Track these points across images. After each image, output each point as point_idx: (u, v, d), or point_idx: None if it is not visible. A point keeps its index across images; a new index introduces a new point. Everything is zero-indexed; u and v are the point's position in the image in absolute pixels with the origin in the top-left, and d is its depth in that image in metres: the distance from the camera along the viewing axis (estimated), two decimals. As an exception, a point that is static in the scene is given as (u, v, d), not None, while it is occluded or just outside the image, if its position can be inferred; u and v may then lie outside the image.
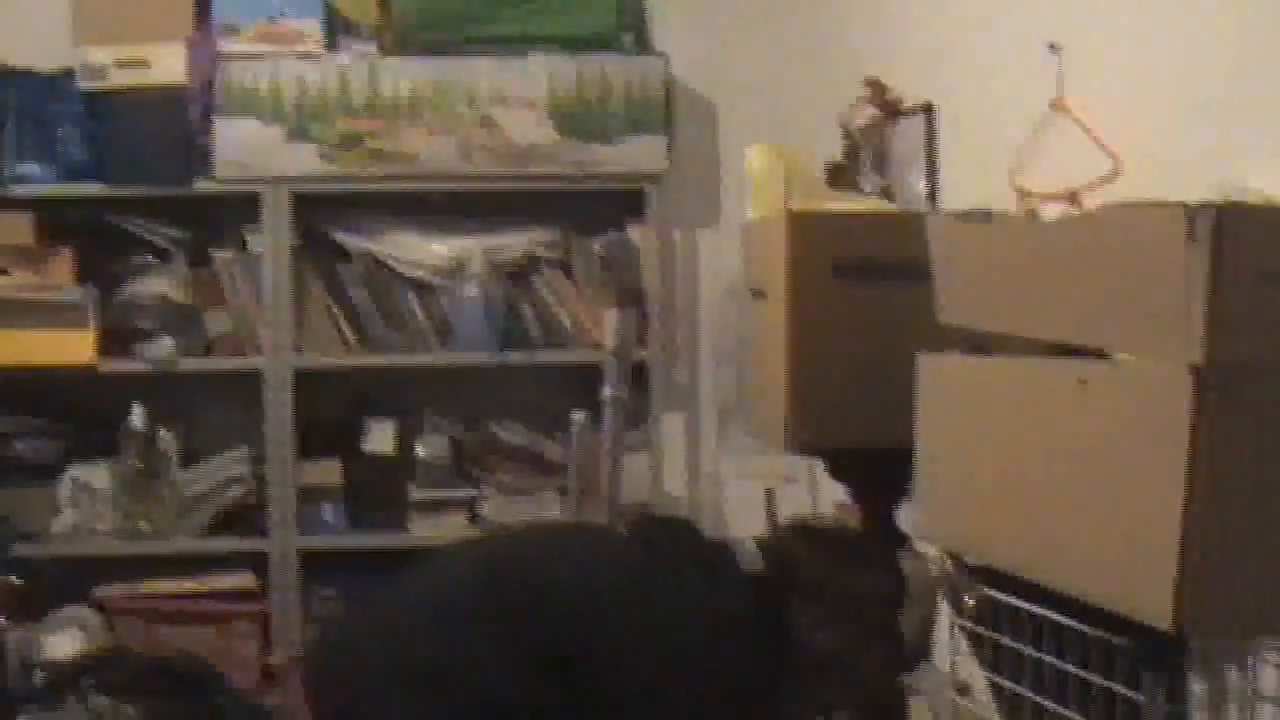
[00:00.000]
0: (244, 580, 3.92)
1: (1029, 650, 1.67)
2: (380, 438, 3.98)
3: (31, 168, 3.82)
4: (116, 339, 3.86)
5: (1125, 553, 1.45)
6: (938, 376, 1.84)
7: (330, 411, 3.99)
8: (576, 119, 3.93)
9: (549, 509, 3.94)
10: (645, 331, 3.88)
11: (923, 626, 2.23)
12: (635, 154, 3.95)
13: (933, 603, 2.18)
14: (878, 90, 2.92)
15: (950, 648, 1.90)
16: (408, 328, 3.99)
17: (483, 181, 3.92)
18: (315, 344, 3.93)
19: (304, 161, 3.87)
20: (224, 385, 3.95)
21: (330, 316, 3.95)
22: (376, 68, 3.89)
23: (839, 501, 2.56)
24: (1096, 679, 1.57)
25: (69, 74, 3.78)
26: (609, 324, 3.34)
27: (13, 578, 3.67)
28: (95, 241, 3.91)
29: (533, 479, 4.02)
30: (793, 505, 3.14)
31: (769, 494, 3.10)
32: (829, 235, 2.34)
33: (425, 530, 3.91)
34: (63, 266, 3.83)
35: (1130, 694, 1.53)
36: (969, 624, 1.81)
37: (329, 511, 3.93)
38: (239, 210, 3.88)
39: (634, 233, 4.01)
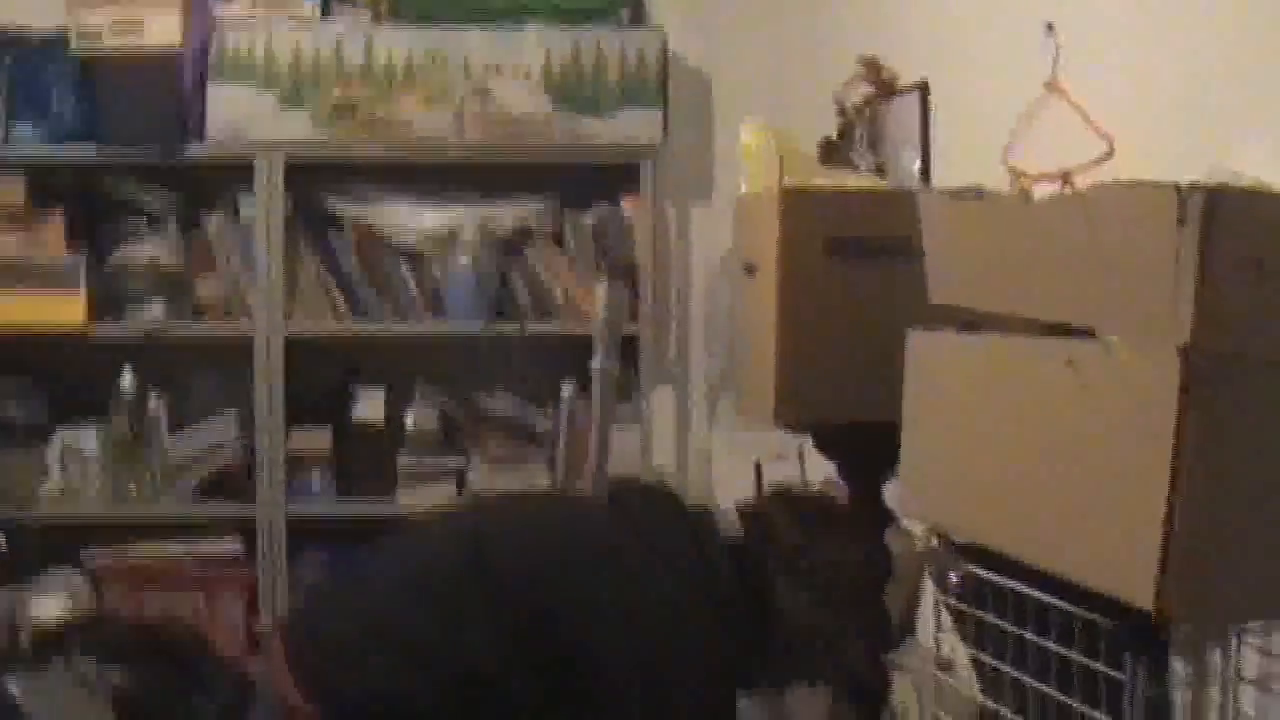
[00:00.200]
0: (231, 546, 3.93)
1: (1012, 628, 1.68)
2: (369, 406, 3.98)
3: (24, 130, 3.81)
4: (107, 303, 3.85)
5: (1109, 533, 1.45)
6: (927, 353, 1.84)
7: (320, 379, 3.99)
8: (571, 91, 3.92)
9: (537, 480, 3.94)
10: (636, 305, 3.88)
11: (908, 603, 2.24)
12: (630, 127, 3.94)
13: (918, 579, 2.19)
14: (873, 68, 2.92)
15: (934, 624, 1.90)
16: (399, 297, 3.98)
17: (476, 152, 3.92)
18: (306, 312, 3.93)
19: (297, 128, 3.86)
20: (214, 351, 3.94)
21: (321, 284, 3.95)
22: (371, 36, 3.88)
23: (828, 478, 2.56)
24: (1079, 658, 1.57)
25: (62, 36, 3.74)
26: (599, 296, 3.34)
27: (0, 540, 3.67)
28: (87, 205, 3.91)
29: (521, 450, 4.02)
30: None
31: (757, 469, 3.10)
32: (822, 212, 2.34)
33: (413, 499, 3.90)
34: (54, 230, 3.83)
35: (1113, 674, 1.54)
36: (953, 600, 1.81)
37: (317, 479, 3.94)
38: (231, 176, 3.87)
39: (627, 206, 4.01)
